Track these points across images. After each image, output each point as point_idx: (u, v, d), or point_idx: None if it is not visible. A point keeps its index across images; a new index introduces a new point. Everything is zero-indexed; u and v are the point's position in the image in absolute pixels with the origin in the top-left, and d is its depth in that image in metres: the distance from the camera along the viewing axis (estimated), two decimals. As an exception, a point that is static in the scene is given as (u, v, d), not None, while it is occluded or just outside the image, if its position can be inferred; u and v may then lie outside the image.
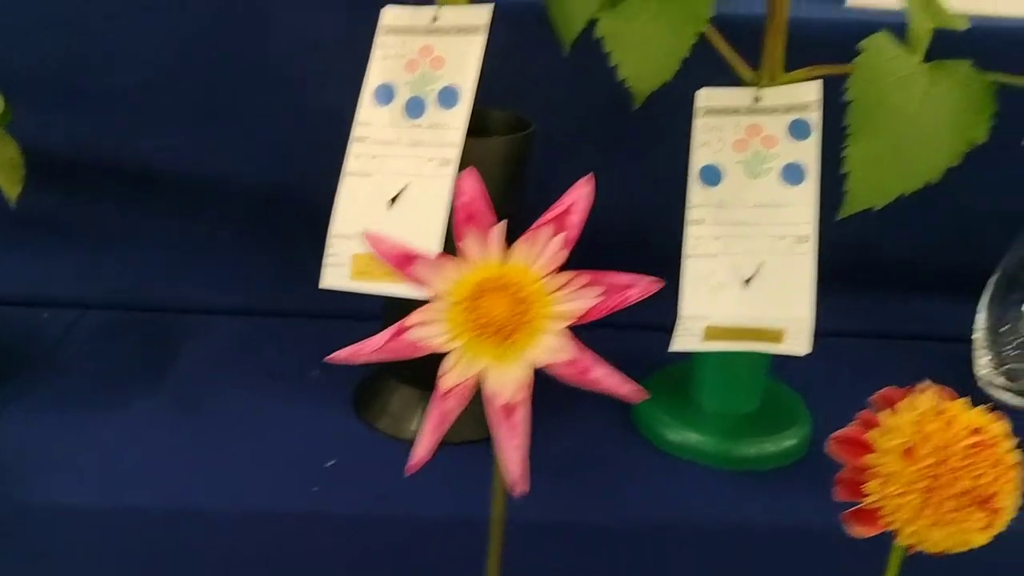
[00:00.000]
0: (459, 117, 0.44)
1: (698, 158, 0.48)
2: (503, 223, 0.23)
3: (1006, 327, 0.58)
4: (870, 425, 0.29)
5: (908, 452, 0.27)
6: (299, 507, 0.45)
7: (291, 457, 0.49)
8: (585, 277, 0.22)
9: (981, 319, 0.60)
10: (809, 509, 0.47)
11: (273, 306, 0.64)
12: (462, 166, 0.45)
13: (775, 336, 0.43)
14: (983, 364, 0.60)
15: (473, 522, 0.46)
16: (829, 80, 0.45)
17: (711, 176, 0.47)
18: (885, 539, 0.31)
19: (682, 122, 0.48)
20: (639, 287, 0.22)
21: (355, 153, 0.45)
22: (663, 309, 0.46)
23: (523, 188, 0.50)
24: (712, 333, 0.45)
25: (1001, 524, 0.27)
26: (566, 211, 0.22)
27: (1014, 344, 0.58)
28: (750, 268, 0.45)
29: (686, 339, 0.44)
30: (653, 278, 0.22)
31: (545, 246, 0.22)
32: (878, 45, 0.40)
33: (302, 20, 0.60)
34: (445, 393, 0.21)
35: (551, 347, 0.22)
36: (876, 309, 0.68)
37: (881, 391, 0.29)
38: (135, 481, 0.46)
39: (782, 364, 0.55)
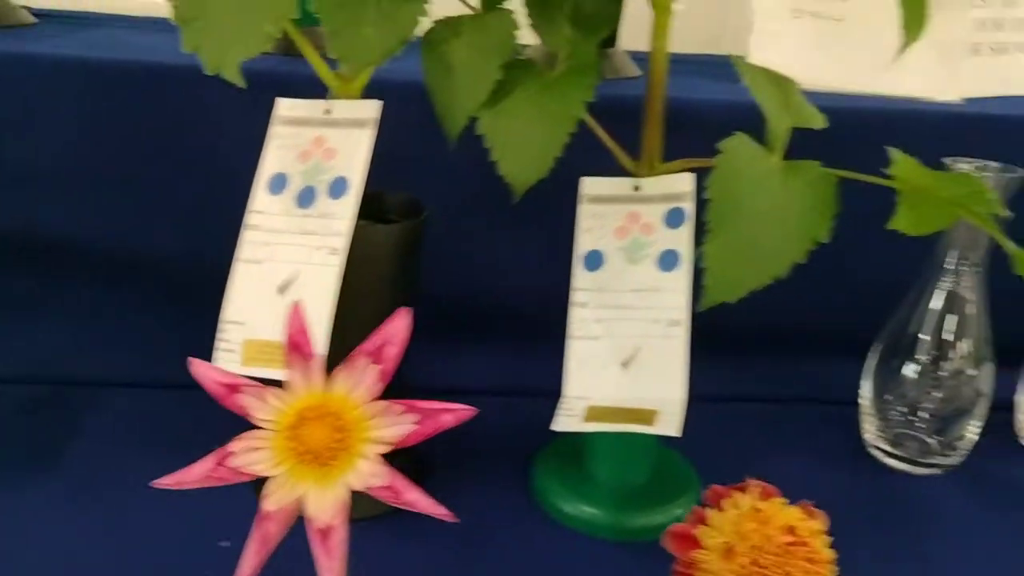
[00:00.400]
0: (348, 207, 0.46)
1: (582, 243, 0.50)
2: (321, 358, 0.24)
3: (890, 394, 0.61)
4: (700, 520, 0.31)
5: (728, 551, 0.29)
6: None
7: (186, 537, 0.49)
8: (401, 406, 0.24)
9: (866, 386, 0.62)
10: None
11: (183, 379, 0.64)
12: (359, 252, 0.48)
13: (649, 417, 0.45)
14: (869, 429, 0.63)
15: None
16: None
17: (594, 261, 0.50)
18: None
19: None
20: (453, 414, 0.23)
21: (248, 240, 0.47)
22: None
23: (418, 270, 0.52)
24: (593, 414, 0.46)
25: (814, 617, 0.29)
26: (384, 343, 0.24)
27: (898, 410, 0.61)
28: (628, 350, 0.48)
29: (568, 419, 0.46)
30: (467, 407, 0.24)
31: (363, 375, 0.24)
32: (736, 146, 0.43)
33: (216, 96, 0.61)
34: (266, 516, 0.23)
35: (368, 472, 0.23)
36: (770, 373, 0.71)
37: (711, 487, 0.31)
38: (27, 565, 0.46)
39: (701, 456, 0.57)
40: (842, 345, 0.66)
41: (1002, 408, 0.67)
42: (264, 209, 0.47)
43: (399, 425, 0.23)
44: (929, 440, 0.61)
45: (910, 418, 0.61)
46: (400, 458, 0.55)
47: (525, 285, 0.64)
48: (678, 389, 0.46)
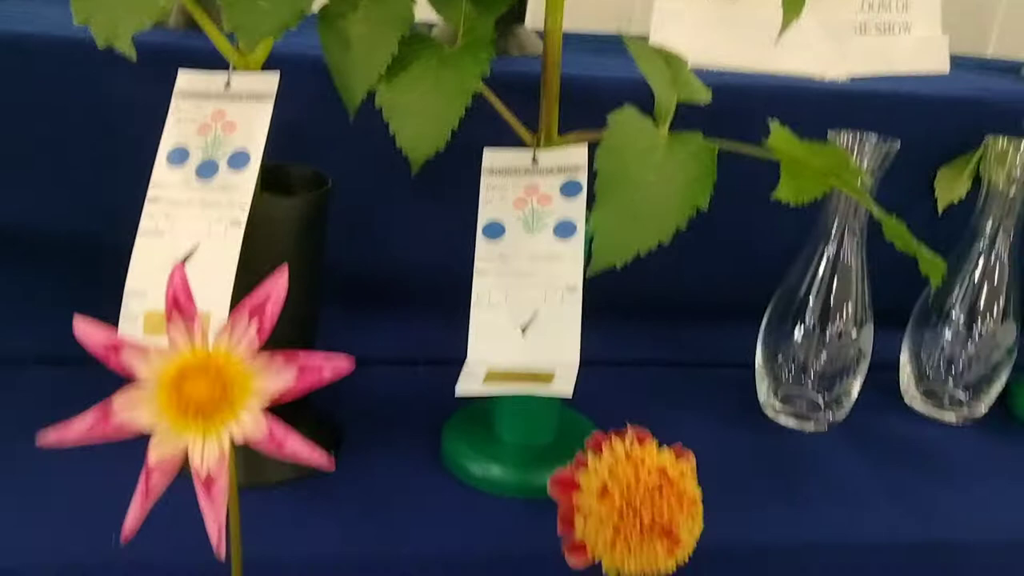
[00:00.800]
0: (248, 180, 0.46)
1: (483, 214, 0.52)
2: (206, 316, 0.25)
3: (781, 355, 0.65)
4: (581, 466, 0.33)
5: (603, 492, 0.31)
6: (110, 558, 0.46)
7: (107, 508, 0.49)
8: (281, 359, 0.25)
9: (760, 348, 0.66)
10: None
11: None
12: (262, 225, 0.48)
13: (546, 379, 0.47)
14: (763, 390, 0.67)
15: (282, 563, 0.49)
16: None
17: (494, 231, 0.51)
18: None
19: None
20: (331, 366, 0.25)
21: (148, 213, 0.47)
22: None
23: (323, 243, 0.53)
24: (492, 377, 0.48)
25: (683, 551, 0.32)
26: (263, 301, 0.25)
27: (788, 371, 0.65)
28: (527, 316, 0.50)
29: (469, 383, 0.48)
30: (346, 359, 0.25)
31: (244, 332, 0.25)
32: (624, 119, 0.45)
33: (115, 74, 0.61)
34: (151, 468, 0.24)
35: (249, 425, 0.25)
36: (670, 339, 0.74)
37: (592, 435, 0.33)
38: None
39: (579, 395, 0.60)
40: (739, 311, 0.69)
41: (886, 368, 0.72)
42: (165, 182, 0.47)
43: (280, 379, 0.25)
44: (817, 397, 0.64)
45: (799, 377, 0.64)
46: (310, 426, 0.57)
47: (431, 256, 0.66)
48: (573, 352, 0.49)
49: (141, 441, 0.25)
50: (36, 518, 0.49)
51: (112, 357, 0.23)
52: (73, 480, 0.52)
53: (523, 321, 0.50)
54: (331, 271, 0.67)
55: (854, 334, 0.62)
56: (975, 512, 0.58)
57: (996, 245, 0.65)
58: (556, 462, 0.56)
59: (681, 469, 0.32)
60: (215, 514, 0.24)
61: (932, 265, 0.46)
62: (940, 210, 0.73)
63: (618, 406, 0.65)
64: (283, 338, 0.52)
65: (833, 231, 0.62)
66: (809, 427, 0.65)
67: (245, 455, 0.53)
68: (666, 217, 0.42)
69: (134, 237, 0.46)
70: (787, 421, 0.66)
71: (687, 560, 0.32)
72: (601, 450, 0.32)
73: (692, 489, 0.32)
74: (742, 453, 0.62)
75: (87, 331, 0.24)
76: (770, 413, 0.67)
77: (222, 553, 0.25)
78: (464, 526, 0.52)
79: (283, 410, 0.55)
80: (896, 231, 0.46)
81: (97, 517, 0.49)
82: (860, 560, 0.55)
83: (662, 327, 0.74)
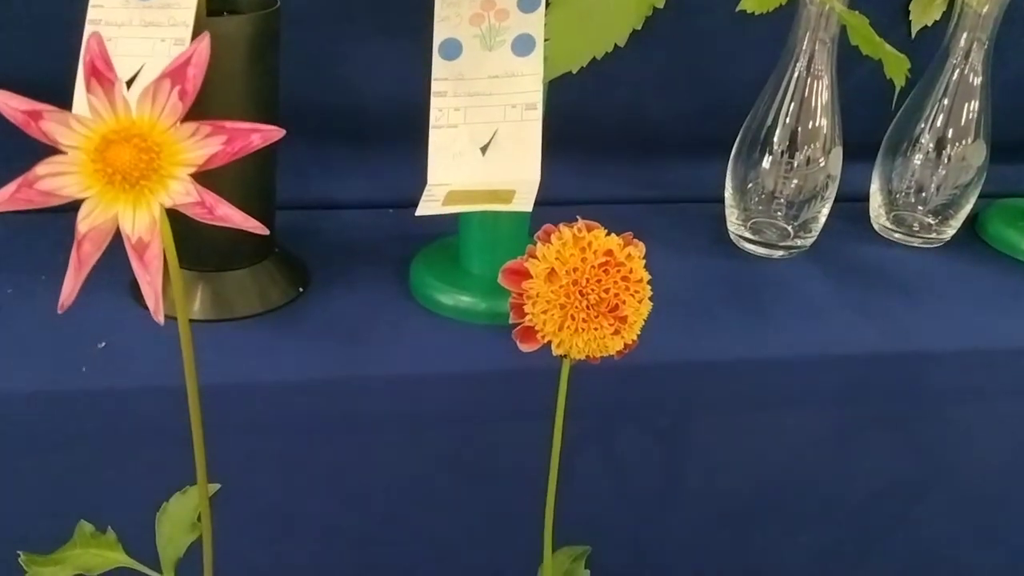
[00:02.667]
0: (189, -4, 0.45)
1: (439, 32, 0.50)
2: (123, 80, 0.25)
3: (750, 185, 0.64)
4: (531, 255, 0.33)
5: (550, 275, 0.32)
6: (69, 386, 0.47)
7: (64, 341, 0.50)
8: (208, 127, 0.24)
9: (729, 179, 0.66)
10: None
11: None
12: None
13: (507, 197, 0.47)
14: (733, 220, 0.67)
15: (248, 387, 0.50)
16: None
17: (451, 50, 0.50)
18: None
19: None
20: (261, 134, 0.24)
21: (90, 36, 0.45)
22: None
23: (275, 65, 0.52)
24: (452, 197, 0.48)
25: (630, 331, 0.32)
26: (184, 64, 0.25)
27: (757, 200, 0.64)
28: (486, 135, 0.49)
29: (429, 204, 0.48)
30: (275, 128, 0.25)
31: (167, 98, 0.24)
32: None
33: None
34: (82, 239, 0.24)
35: (179, 191, 0.24)
36: (643, 175, 0.74)
37: (543, 227, 0.33)
38: None
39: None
40: (712, 144, 0.68)
41: (858, 199, 0.72)
42: (104, 3, 0.46)
43: (207, 146, 0.24)
44: (786, 225, 0.65)
45: (768, 206, 0.64)
46: (277, 264, 0.57)
47: (399, 90, 0.64)
48: (534, 169, 0.48)
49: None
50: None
51: (32, 124, 0.23)
52: (38, 310, 0.52)
53: (483, 141, 0.49)
54: (297, 111, 0.66)
55: (822, 161, 0.62)
56: (936, 324, 0.59)
57: (970, 59, 0.63)
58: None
59: (629, 252, 0.32)
60: (150, 278, 0.24)
61: (896, 62, 0.45)
62: (913, 33, 0.71)
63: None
64: (239, 169, 0.52)
65: (803, 48, 0.60)
66: (778, 254, 0.66)
67: (214, 290, 0.54)
68: (621, 18, 0.41)
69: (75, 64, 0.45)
70: (756, 250, 0.66)
71: (635, 340, 0.33)
72: (548, 240, 0.32)
73: (639, 270, 0.32)
74: (711, 281, 0.62)
75: (7, 100, 0.23)
76: (740, 243, 0.67)
77: (160, 316, 0.25)
78: (432, 349, 0.53)
79: (247, 249, 0.55)
80: (861, 32, 0.45)
81: (63, 346, 0.49)
82: (822, 372, 0.56)
83: (634, 164, 0.74)
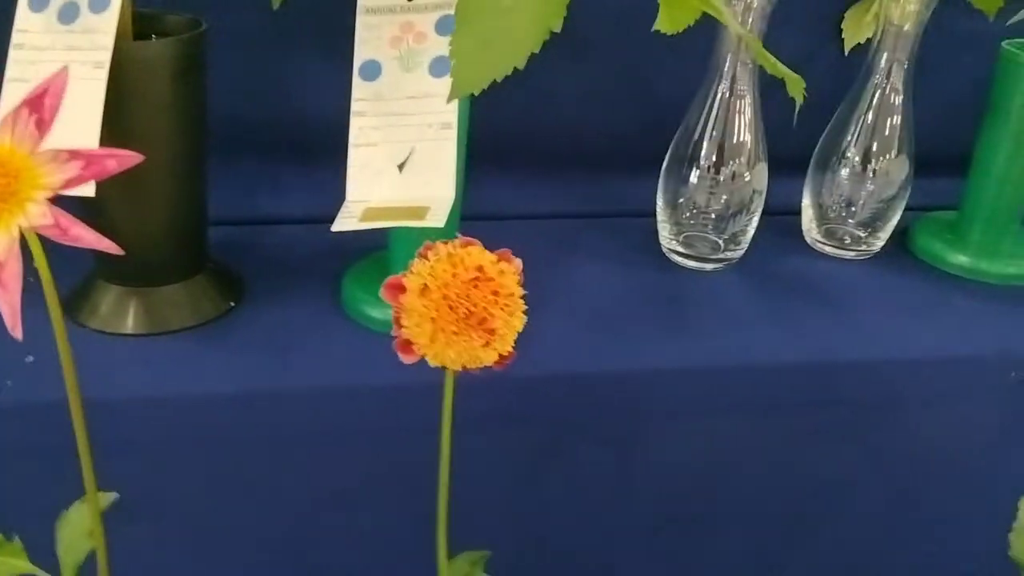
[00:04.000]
0: (110, 21, 0.46)
1: (359, 54, 0.52)
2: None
3: (681, 200, 0.66)
4: (410, 271, 0.34)
5: (424, 290, 0.33)
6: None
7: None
8: (66, 153, 0.26)
9: (660, 193, 0.67)
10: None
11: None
12: (132, 69, 0.48)
13: (421, 213, 0.49)
14: (664, 235, 0.68)
15: (179, 401, 0.51)
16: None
17: (371, 71, 0.52)
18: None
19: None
20: (117, 159, 0.26)
21: (14, 59, 0.47)
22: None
23: (202, 86, 0.53)
24: (369, 214, 0.50)
25: (502, 343, 0.34)
26: (42, 94, 0.26)
27: (688, 215, 0.66)
28: (404, 154, 0.50)
29: (346, 220, 0.49)
30: (132, 153, 0.26)
31: (26, 127, 0.26)
32: (481, -55, 0.44)
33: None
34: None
35: (36, 214, 0.26)
36: (582, 191, 0.75)
37: (424, 243, 0.34)
38: None
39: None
40: (647, 161, 0.70)
41: (790, 213, 0.73)
42: (28, 28, 0.47)
43: (65, 171, 0.26)
44: (716, 239, 0.66)
45: (698, 220, 0.66)
46: (209, 278, 0.58)
47: (340, 108, 0.66)
48: (447, 187, 0.50)
49: None
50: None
51: None
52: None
53: (400, 159, 0.51)
54: (245, 129, 0.67)
55: (747, 176, 0.64)
56: (856, 334, 0.60)
57: (891, 79, 0.65)
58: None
59: (501, 268, 0.33)
60: (8, 297, 0.25)
61: (793, 82, 0.47)
62: (847, 50, 0.73)
63: (518, 256, 0.66)
64: (164, 189, 0.54)
65: (725, 68, 0.62)
66: (710, 267, 0.67)
67: (147, 305, 0.56)
68: (521, 41, 0.42)
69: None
70: (688, 263, 0.67)
71: (510, 352, 0.34)
72: (427, 256, 0.34)
73: (510, 285, 0.33)
74: (639, 293, 0.64)
75: None
76: (672, 257, 0.68)
77: (18, 332, 0.27)
78: (361, 362, 0.54)
79: (178, 265, 0.56)
80: (759, 52, 0.47)
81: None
82: (739, 381, 0.57)
83: (573, 179, 0.75)
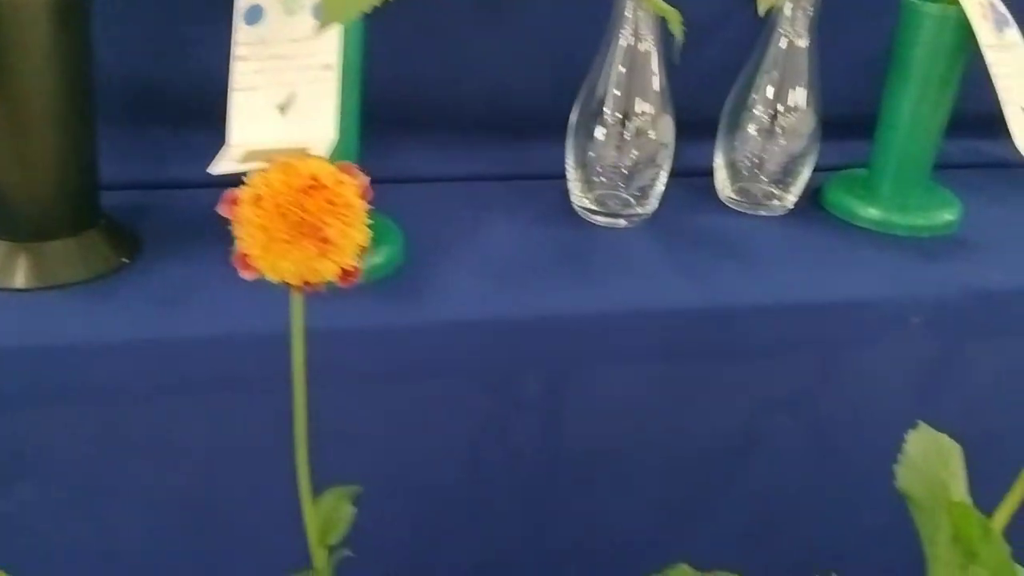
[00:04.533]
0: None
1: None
2: None
3: (591, 157, 0.66)
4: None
5: (256, 200, 0.33)
6: None
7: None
8: None
9: (569, 152, 0.67)
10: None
11: None
12: (10, 27, 0.48)
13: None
14: (576, 193, 0.68)
15: (72, 353, 0.50)
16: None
17: (254, 15, 0.51)
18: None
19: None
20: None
21: None
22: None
23: (87, 35, 0.53)
24: (249, 156, 0.49)
25: (340, 254, 0.33)
26: None
27: (597, 171, 0.66)
28: (285, 96, 0.50)
29: (225, 162, 0.49)
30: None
31: None
32: None
33: None
34: None
35: None
36: (501, 154, 0.75)
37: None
38: None
39: (394, 209, 0.61)
40: (559, 123, 0.70)
41: (705, 173, 0.73)
42: None
43: None
44: (626, 195, 0.66)
45: (608, 176, 0.65)
46: (102, 232, 0.57)
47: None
48: (327, 128, 0.49)
49: None
50: None
51: None
52: None
53: (281, 101, 0.50)
54: (157, 95, 0.67)
55: (652, 133, 0.63)
56: (762, 282, 0.60)
57: (795, 26, 0.65)
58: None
59: (339, 178, 0.33)
60: None
61: (671, 15, 0.47)
62: (761, 12, 0.73)
63: (430, 217, 0.66)
64: (50, 140, 0.53)
65: (626, 18, 0.61)
66: (622, 223, 0.67)
67: (36, 259, 0.55)
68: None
69: None
70: (600, 220, 0.67)
71: (354, 266, 0.34)
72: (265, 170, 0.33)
73: (348, 195, 0.33)
74: (548, 248, 0.64)
75: None
76: (584, 215, 0.68)
77: None
78: (254, 312, 0.53)
79: (65, 219, 0.55)
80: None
81: None
82: (640, 327, 0.57)
83: (493, 142, 0.75)
